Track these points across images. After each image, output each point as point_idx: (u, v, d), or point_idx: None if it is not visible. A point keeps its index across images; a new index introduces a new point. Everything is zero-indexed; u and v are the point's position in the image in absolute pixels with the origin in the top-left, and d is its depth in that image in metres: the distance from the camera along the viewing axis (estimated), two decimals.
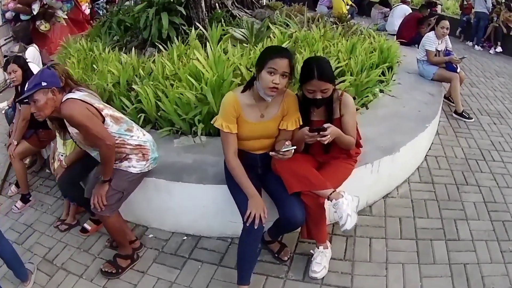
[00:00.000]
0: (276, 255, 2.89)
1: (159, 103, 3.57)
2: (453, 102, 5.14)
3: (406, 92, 4.44)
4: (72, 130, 2.57)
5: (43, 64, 6.61)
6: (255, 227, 2.37)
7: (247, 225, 2.40)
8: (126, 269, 2.87)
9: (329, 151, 2.68)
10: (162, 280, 2.80)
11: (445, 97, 5.16)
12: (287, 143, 2.40)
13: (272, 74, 2.30)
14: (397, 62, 5.11)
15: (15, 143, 3.74)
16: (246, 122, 2.51)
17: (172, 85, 3.74)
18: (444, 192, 3.53)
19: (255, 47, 4.48)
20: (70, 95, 2.47)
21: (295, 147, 2.36)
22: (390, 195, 3.46)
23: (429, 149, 4.15)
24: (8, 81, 3.83)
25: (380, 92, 4.25)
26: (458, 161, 4.02)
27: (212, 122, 2.59)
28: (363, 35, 5.42)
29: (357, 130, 2.76)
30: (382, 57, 4.81)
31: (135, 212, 3.29)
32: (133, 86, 3.86)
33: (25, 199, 3.79)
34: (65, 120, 2.52)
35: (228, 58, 3.94)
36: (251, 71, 3.76)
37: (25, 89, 2.46)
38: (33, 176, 4.32)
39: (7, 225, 3.53)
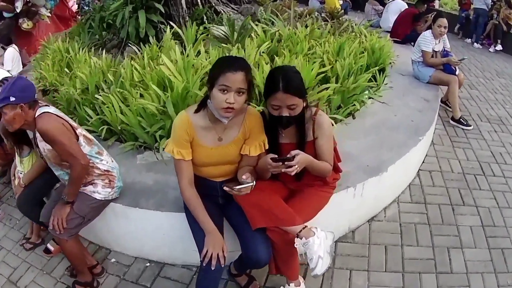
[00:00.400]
0: None
1: (120, 115, 3.15)
2: (450, 107, 4.66)
3: (399, 97, 3.97)
4: (43, 146, 2.34)
5: (23, 64, 6.24)
6: (212, 268, 1.99)
7: (204, 265, 2.02)
8: None
9: (302, 178, 2.26)
10: None
11: (441, 101, 4.68)
12: (244, 176, 1.96)
13: (225, 92, 1.87)
14: (390, 63, 4.64)
15: None
16: (201, 147, 2.09)
17: (140, 93, 3.32)
18: (437, 214, 3.08)
19: (235, 47, 4.04)
20: (45, 109, 2.29)
21: (252, 184, 1.93)
22: (376, 218, 3.02)
23: (423, 162, 3.69)
24: None
25: (369, 99, 3.81)
26: (455, 177, 3.55)
27: (163, 147, 2.16)
28: (354, 33, 4.97)
29: (336, 151, 2.35)
30: (373, 58, 4.37)
31: (97, 234, 2.95)
32: (96, 95, 3.45)
33: None
34: (37, 134, 2.31)
35: (193, 65, 3.46)
36: None
37: None
38: (4, 187, 3.98)
39: None
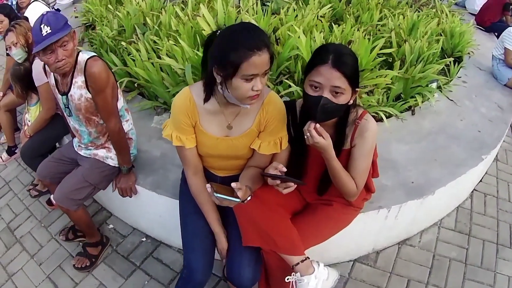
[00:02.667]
0: None
1: (138, 69, 2.73)
2: None
3: (469, 97, 3.20)
4: (82, 93, 1.95)
5: None
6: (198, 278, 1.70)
7: (184, 275, 1.72)
8: (100, 256, 2.43)
9: (324, 192, 1.78)
10: (103, 287, 2.29)
11: None
12: (234, 185, 1.42)
13: (251, 80, 1.38)
14: (468, 53, 3.79)
15: (1, 94, 3.36)
16: (204, 135, 1.63)
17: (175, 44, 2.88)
18: (478, 252, 2.47)
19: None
20: (89, 53, 1.96)
21: (240, 201, 1.45)
22: (408, 242, 2.48)
23: (480, 181, 3.01)
24: None
25: (437, 89, 3.10)
26: (510, 208, 2.84)
27: (162, 128, 1.77)
28: (435, 9, 4.16)
29: (375, 166, 1.81)
30: (451, 43, 3.60)
31: (99, 195, 2.70)
32: (122, 42, 3.08)
33: (10, 151, 3.39)
34: (77, 79, 1.92)
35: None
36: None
37: (47, 32, 1.76)
38: None
39: None
